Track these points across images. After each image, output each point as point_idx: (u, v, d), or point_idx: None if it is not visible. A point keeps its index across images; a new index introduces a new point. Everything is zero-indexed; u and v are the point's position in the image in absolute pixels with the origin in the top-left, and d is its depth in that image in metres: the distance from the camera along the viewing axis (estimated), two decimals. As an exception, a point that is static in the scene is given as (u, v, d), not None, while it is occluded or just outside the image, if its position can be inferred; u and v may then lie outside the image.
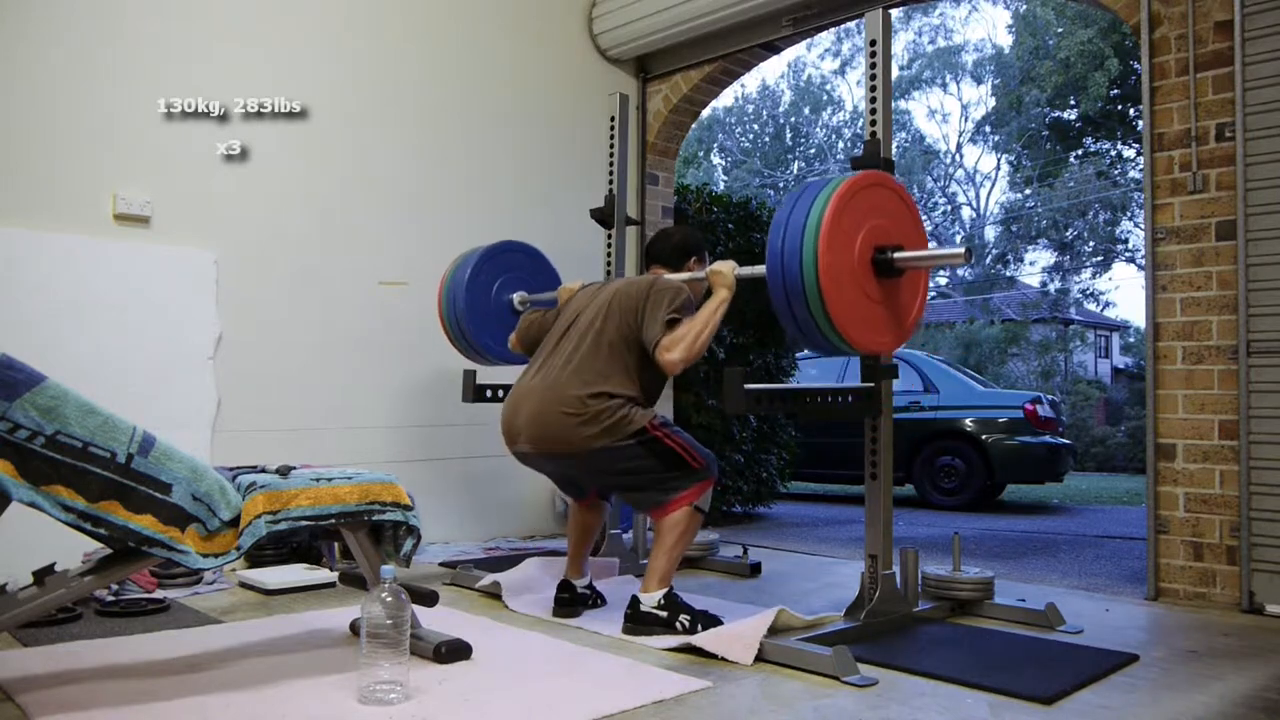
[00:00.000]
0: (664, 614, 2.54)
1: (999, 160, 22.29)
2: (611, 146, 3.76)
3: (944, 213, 23.20)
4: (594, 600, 2.91)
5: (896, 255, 2.39)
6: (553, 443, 2.59)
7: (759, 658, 2.31)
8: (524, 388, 2.70)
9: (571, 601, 2.81)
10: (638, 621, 2.56)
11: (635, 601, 2.58)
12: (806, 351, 8.35)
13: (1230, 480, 3.08)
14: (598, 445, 2.54)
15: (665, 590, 2.57)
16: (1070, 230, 20.42)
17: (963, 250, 2.40)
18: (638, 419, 2.56)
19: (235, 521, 2.04)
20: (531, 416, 2.61)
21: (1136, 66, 14.17)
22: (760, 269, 2.42)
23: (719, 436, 5.33)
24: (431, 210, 4.30)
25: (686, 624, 2.51)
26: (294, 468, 2.19)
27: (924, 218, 23.35)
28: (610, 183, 3.74)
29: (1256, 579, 3.00)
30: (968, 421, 7.30)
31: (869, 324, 2.37)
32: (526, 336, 2.99)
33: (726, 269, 2.67)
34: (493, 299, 3.62)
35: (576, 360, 2.62)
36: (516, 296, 3.65)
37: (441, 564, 3.69)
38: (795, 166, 24.36)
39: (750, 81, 25.22)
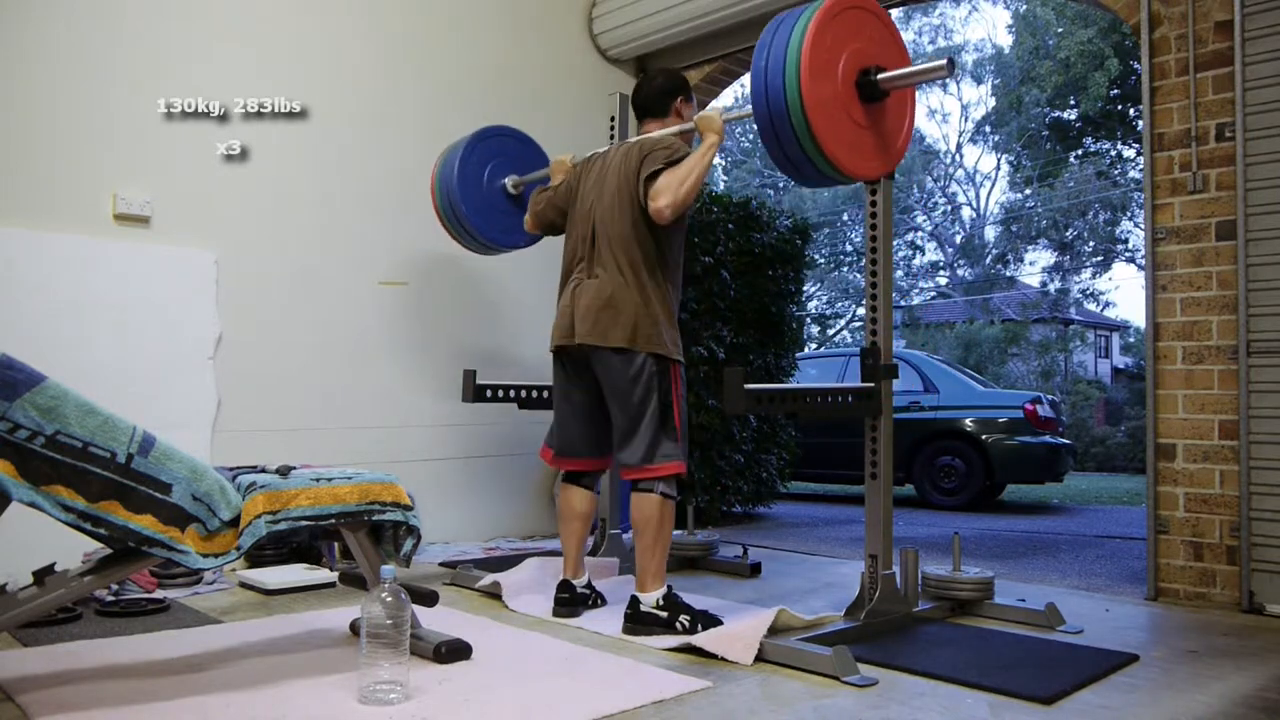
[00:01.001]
0: (664, 614, 2.54)
1: (999, 160, 22.30)
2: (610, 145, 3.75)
3: (944, 213, 23.20)
4: (594, 600, 2.91)
5: (880, 76, 2.36)
6: (603, 332, 2.63)
7: (759, 658, 2.31)
8: (579, 287, 2.74)
9: (571, 601, 2.81)
10: (638, 621, 2.56)
11: (635, 601, 2.59)
12: (806, 351, 8.35)
13: (1230, 480, 3.08)
14: (635, 346, 2.60)
15: (664, 590, 2.58)
16: (1070, 230, 20.43)
17: (944, 61, 2.36)
18: (673, 350, 2.65)
19: (235, 521, 2.04)
20: (590, 304, 2.66)
21: (1136, 66, 14.17)
22: (748, 110, 2.40)
23: (719, 436, 5.33)
24: (430, 210, 4.29)
25: (686, 624, 2.51)
26: (294, 468, 2.19)
27: (924, 217, 23.30)
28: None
29: (1256, 579, 3.00)
30: (968, 421, 7.30)
31: (857, 149, 2.35)
32: (543, 218, 3.04)
33: (714, 115, 2.68)
34: (485, 186, 3.60)
35: (619, 258, 2.66)
36: (509, 180, 3.64)
37: (441, 564, 3.69)
38: (795, 166, 24.30)
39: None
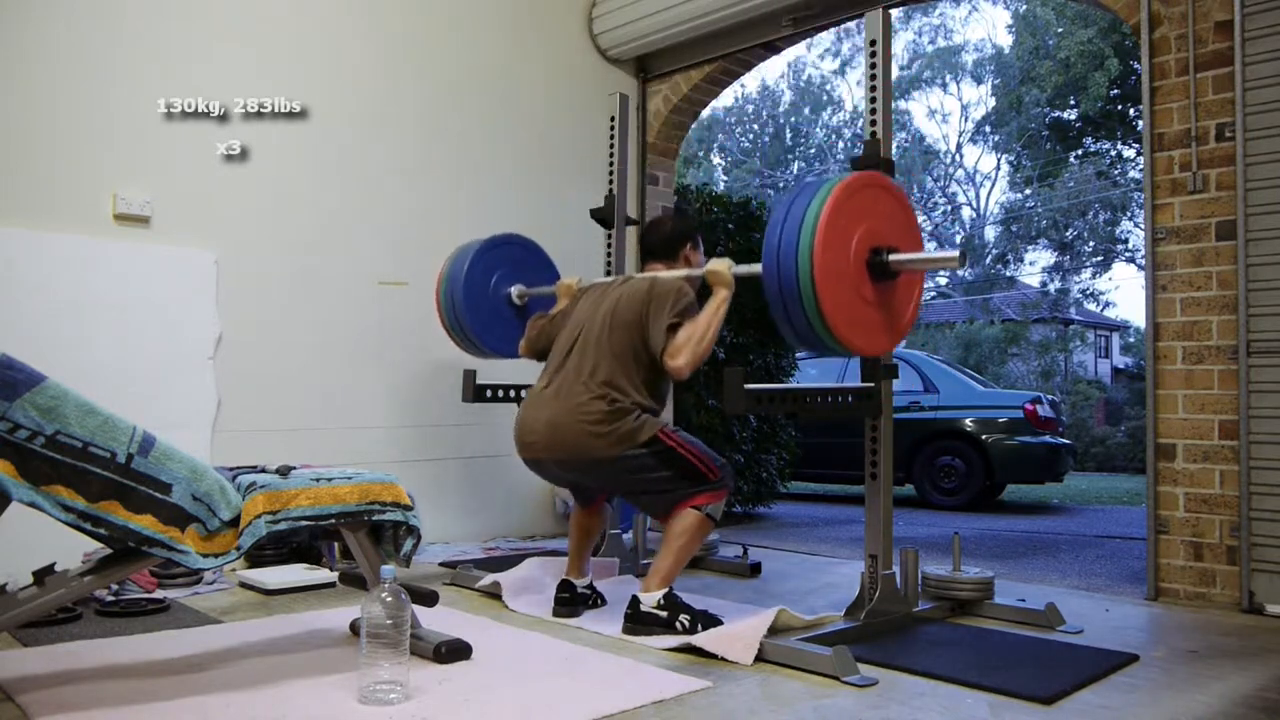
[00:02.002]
0: (664, 614, 2.54)
1: (999, 160, 22.31)
2: (611, 146, 3.76)
3: (944, 213, 23.21)
4: (594, 600, 2.92)
5: (892, 257, 2.39)
6: (568, 450, 2.60)
7: (759, 658, 2.31)
8: (539, 397, 2.72)
9: (572, 601, 2.81)
10: (638, 621, 2.56)
11: (635, 601, 2.59)
12: (806, 351, 8.35)
13: (1230, 480, 3.08)
14: (612, 454, 2.55)
15: (665, 590, 2.58)
16: (1070, 230, 20.43)
17: (957, 254, 2.41)
18: (649, 427, 2.57)
19: (235, 521, 2.04)
20: (548, 424, 2.63)
21: (1136, 66, 14.17)
22: (756, 267, 2.41)
23: (719, 436, 5.33)
24: (431, 210, 4.30)
25: (686, 624, 2.51)
26: (294, 468, 2.19)
27: (924, 218, 23.34)
28: (610, 183, 3.75)
29: (1256, 579, 3.00)
30: (968, 421, 7.30)
31: (863, 326, 2.38)
32: (535, 345, 3.01)
33: (723, 268, 2.66)
34: (490, 292, 3.61)
35: (588, 370, 2.63)
36: (515, 290, 3.64)
37: (441, 564, 3.69)
38: (795, 166, 24.37)
39: (750, 81, 25.23)
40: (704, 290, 2.70)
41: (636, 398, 2.60)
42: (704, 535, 2.67)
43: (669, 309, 2.60)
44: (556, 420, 2.61)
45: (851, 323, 2.32)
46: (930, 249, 2.49)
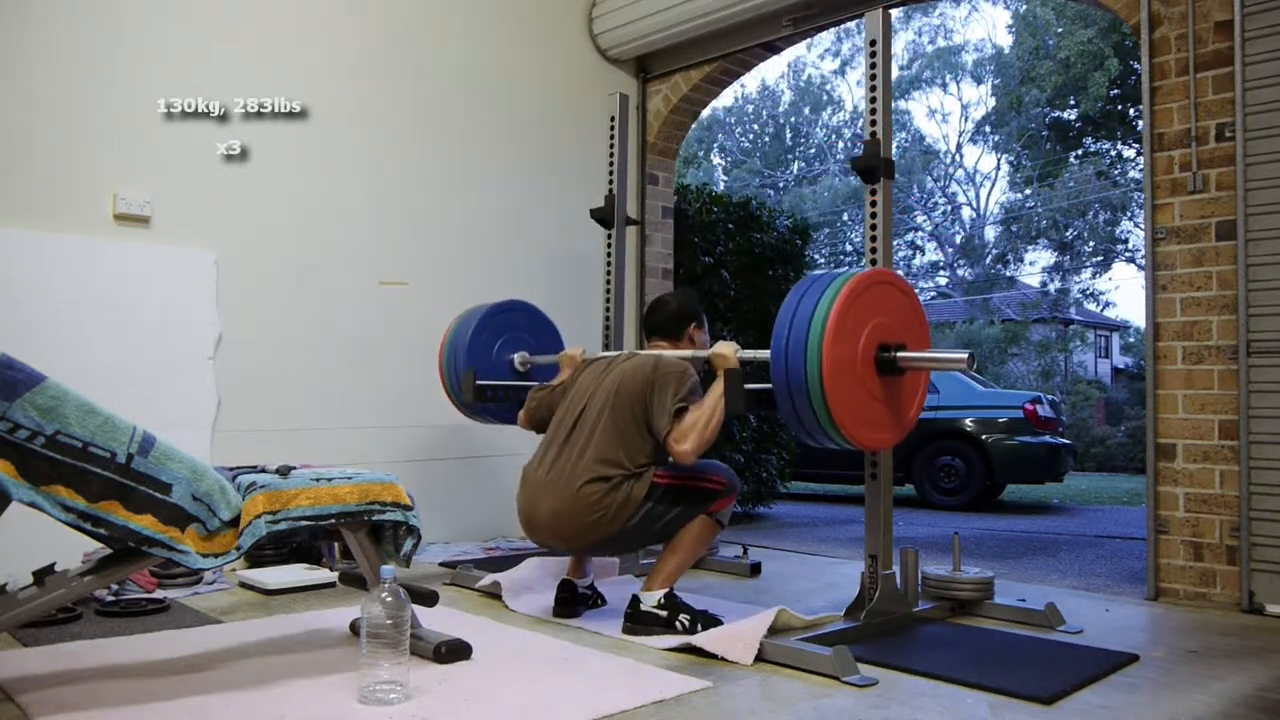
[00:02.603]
0: (664, 614, 2.54)
1: (999, 160, 22.31)
2: (611, 146, 3.76)
3: (944, 213, 23.21)
4: (594, 600, 2.91)
5: (900, 355, 2.40)
6: (576, 540, 2.63)
7: (759, 658, 2.31)
8: (540, 482, 2.68)
9: (572, 601, 2.81)
10: (638, 621, 2.56)
11: (635, 601, 2.59)
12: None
13: (1230, 480, 3.08)
14: (617, 528, 2.56)
15: (666, 591, 2.58)
16: (1070, 230, 20.43)
17: (965, 355, 2.40)
18: (643, 483, 2.57)
19: (235, 521, 2.04)
20: (550, 515, 2.62)
21: (1136, 66, 14.17)
22: (764, 353, 2.42)
23: (719, 436, 5.33)
24: (431, 210, 4.30)
25: (686, 624, 2.52)
26: (294, 468, 2.19)
27: (924, 217, 23.33)
28: (610, 183, 3.75)
29: (1256, 579, 3.00)
30: (968, 421, 7.30)
31: (869, 421, 2.38)
32: (535, 417, 2.99)
33: (729, 351, 2.64)
34: (494, 359, 3.60)
35: (589, 453, 2.60)
36: (517, 357, 3.63)
37: (441, 564, 3.69)
38: (795, 166, 24.38)
39: (750, 81, 25.25)
40: (708, 373, 2.68)
41: (631, 470, 2.58)
42: (711, 539, 2.67)
43: (673, 392, 2.57)
44: (558, 511, 2.59)
45: (859, 419, 2.33)
46: (935, 350, 2.52)
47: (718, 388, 2.58)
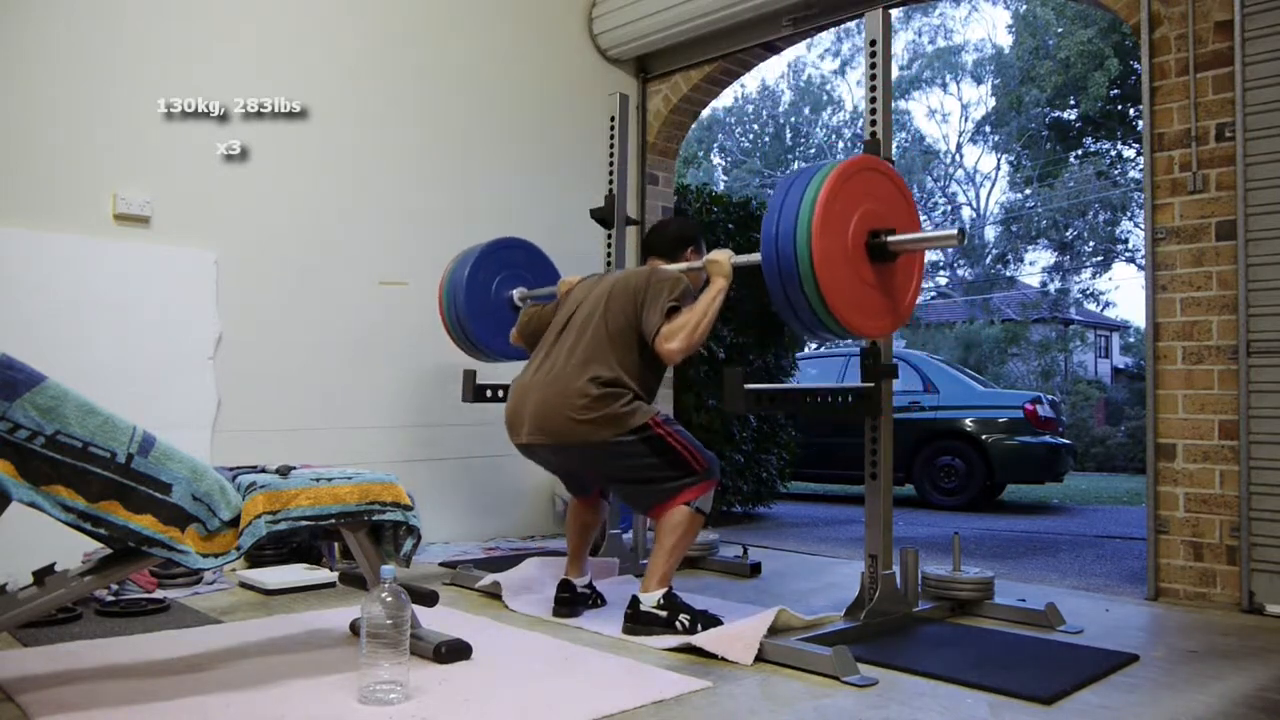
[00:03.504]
0: (664, 614, 2.54)
1: (999, 160, 22.31)
2: (611, 146, 3.76)
3: (944, 213, 23.20)
4: (594, 600, 2.91)
5: (890, 239, 2.39)
6: (558, 434, 2.60)
7: (759, 658, 2.31)
8: (528, 381, 2.72)
9: (572, 601, 2.81)
10: (638, 621, 2.56)
11: (635, 601, 2.59)
12: (806, 351, 8.35)
13: (1230, 480, 3.08)
14: (601, 438, 2.55)
15: (665, 590, 2.57)
16: (1070, 230, 20.43)
17: (955, 232, 2.40)
18: (641, 414, 2.57)
19: (235, 521, 2.04)
20: (537, 407, 2.63)
21: (1136, 66, 14.17)
22: (756, 256, 2.41)
23: (719, 436, 5.33)
24: (431, 210, 4.30)
25: (686, 624, 2.51)
26: (294, 468, 2.19)
27: (924, 218, 23.39)
28: (610, 182, 3.74)
29: (1256, 579, 3.00)
30: (968, 421, 7.30)
31: (864, 308, 2.37)
32: (527, 330, 3.01)
33: (723, 258, 2.67)
34: (492, 296, 3.63)
35: (579, 352, 2.63)
36: (516, 293, 3.66)
37: (441, 564, 3.69)
38: (795, 166, 24.36)
39: (750, 81, 25.24)
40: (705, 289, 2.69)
41: (627, 380, 2.59)
42: (696, 531, 2.65)
43: (666, 294, 2.60)
44: (545, 403, 2.60)
45: (853, 305, 2.32)
46: (927, 229, 2.46)
47: (710, 291, 2.61)
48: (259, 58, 3.80)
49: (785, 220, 2.27)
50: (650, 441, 2.57)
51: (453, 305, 3.60)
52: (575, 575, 2.88)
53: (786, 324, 2.41)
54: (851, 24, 4.63)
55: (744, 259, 2.66)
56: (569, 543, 2.95)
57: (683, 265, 2.85)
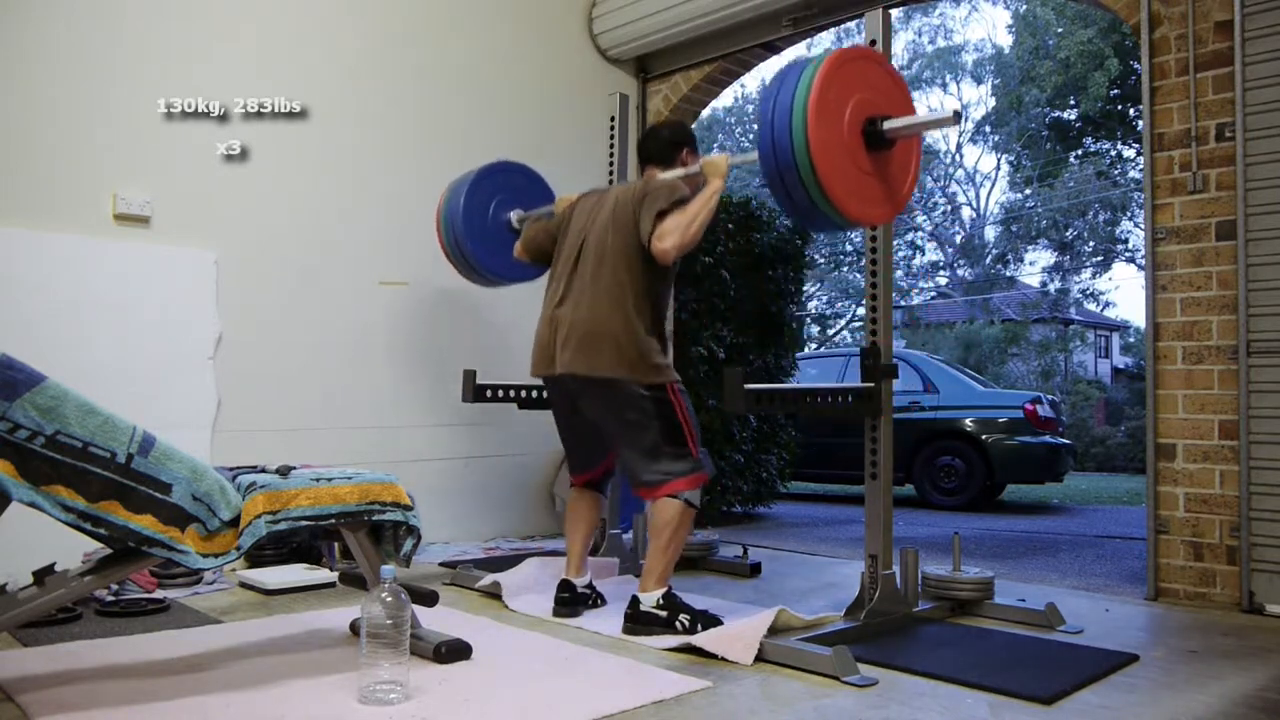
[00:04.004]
0: (664, 614, 2.54)
1: (999, 160, 22.28)
2: (611, 146, 3.76)
3: (944, 213, 23.19)
4: (594, 600, 2.91)
5: (886, 124, 2.36)
6: (591, 365, 2.59)
7: (759, 658, 2.31)
8: (557, 314, 2.72)
9: (572, 601, 2.81)
10: (638, 621, 2.56)
11: (635, 601, 2.59)
12: (806, 351, 8.35)
13: (1230, 480, 3.08)
14: (621, 375, 2.57)
15: (664, 590, 2.58)
16: (1070, 230, 20.42)
17: (950, 113, 2.38)
18: (666, 373, 2.61)
19: (235, 521, 2.04)
20: (569, 333, 2.64)
21: (1136, 66, 14.16)
22: (754, 155, 2.40)
23: (719, 436, 5.33)
24: (431, 210, 4.29)
25: (686, 624, 2.51)
26: (294, 468, 2.19)
27: (924, 217, 23.28)
28: (610, 182, 3.74)
29: (1256, 579, 3.00)
30: (968, 421, 7.30)
31: (862, 195, 2.36)
32: (532, 245, 3.03)
33: (720, 159, 2.69)
34: (490, 220, 3.61)
35: (603, 282, 2.64)
36: (514, 215, 3.64)
37: (441, 564, 3.69)
38: (795, 166, 24.29)
39: (750, 81, 25.16)
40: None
41: (648, 316, 2.63)
42: (688, 525, 2.65)
43: (664, 199, 2.60)
44: (580, 333, 2.61)
45: (850, 193, 2.30)
46: (921, 113, 2.47)
47: (706, 191, 2.61)
48: (259, 58, 3.80)
49: (780, 112, 2.25)
50: (661, 404, 2.59)
51: (451, 230, 3.59)
52: (575, 575, 2.88)
53: (787, 215, 2.40)
54: (851, 24, 4.64)
55: (741, 158, 2.66)
56: (568, 543, 2.95)
57: (680, 171, 2.83)
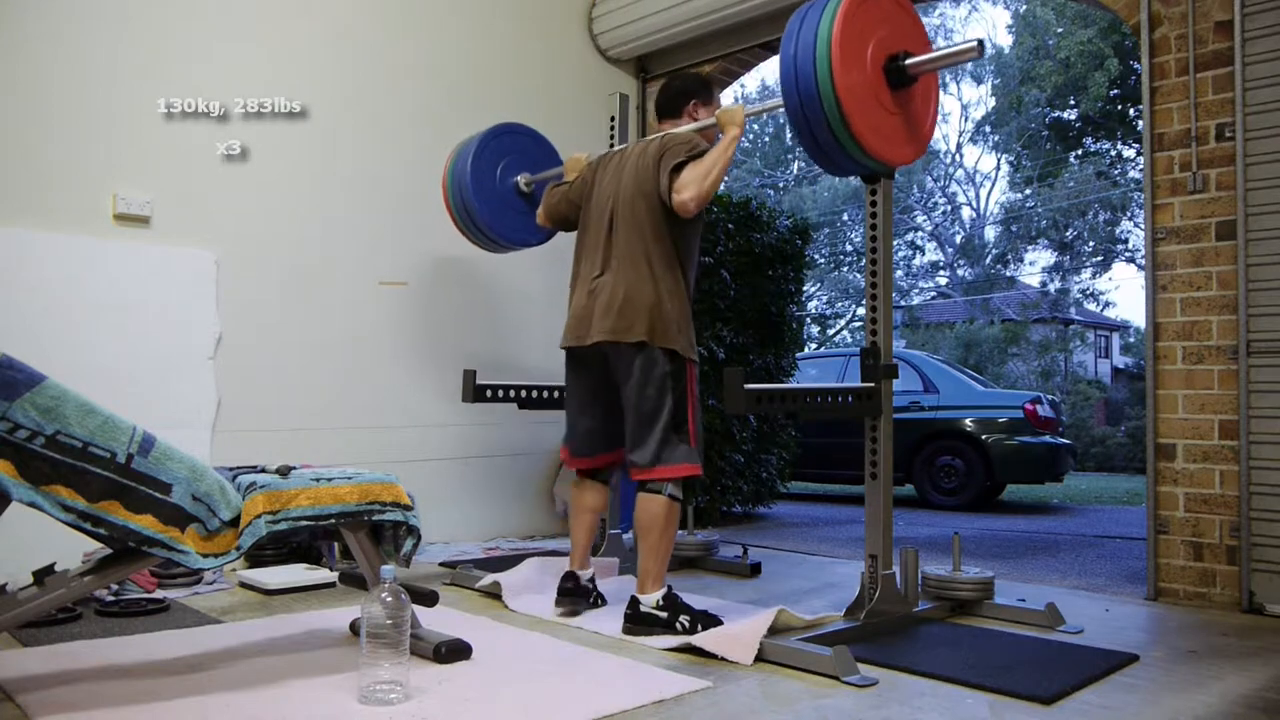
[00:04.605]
0: (664, 614, 2.54)
1: (999, 160, 22.30)
2: (611, 146, 3.76)
3: (944, 213, 23.20)
4: (595, 599, 2.91)
5: (908, 61, 2.37)
6: (623, 327, 2.62)
7: (759, 658, 2.31)
8: (597, 284, 2.73)
9: (575, 592, 2.82)
10: (638, 622, 2.56)
11: (635, 602, 2.59)
12: (806, 351, 8.35)
13: (1230, 480, 3.08)
14: (653, 340, 2.60)
15: (664, 590, 2.58)
16: (1070, 230, 20.43)
17: (975, 44, 2.38)
18: (688, 351, 2.66)
19: (235, 521, 2.04)
20: (610, 302, 2.66)
21: (1136, 66, 14.17)
22: (770, 103, 2.41)
23: (719, 436, 5.33)
24: (431, 210, 4.28)
25: (686, 624, 2.51)
26: (294, 468, 2.19)
27: (924, 217, 23.28)
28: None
29: (1256, 579, 3.00)
30: (968, 421, 7.30)
31: (888, 134, 2.36)
32: (555, 213, 3.05)
33: (735, 109, 2.69)
34: (497, 183, 3.61)
35: (637, 250, 2.67)
36: (521, 178, 3.64)
37: (441, 564, 3.69)
38: (795, 166, 24.35)
39: (750, 81, 25.22)
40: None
41: (676, 280, 2.67)
42: (675, 520, 2.64)
43: (680, 154, 2.62)
44: (617, 296, 2.64)
45: (876, 132, 2.30)
46: (942, 47, 2.48)
47: (722, 142, 2.62)
48: (259, 58, 3.80)
49: (803, 53, 2.25)
50: (675, 377, 2.63)
51: (459, 194, 3.57)
52: (579, 567, 2.88)
53: (811, 158, 2.40)
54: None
55: (758, 107, 2.69)
56: (573, 536, 2.93)
57: (694, 124, 2.84)
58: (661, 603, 2.55)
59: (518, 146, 3.67)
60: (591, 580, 2.91)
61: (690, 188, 2.56)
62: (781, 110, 2.40)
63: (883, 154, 2.34)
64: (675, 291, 2.67)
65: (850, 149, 2.28)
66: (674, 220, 2.66)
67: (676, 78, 3.04)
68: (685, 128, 2.82)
